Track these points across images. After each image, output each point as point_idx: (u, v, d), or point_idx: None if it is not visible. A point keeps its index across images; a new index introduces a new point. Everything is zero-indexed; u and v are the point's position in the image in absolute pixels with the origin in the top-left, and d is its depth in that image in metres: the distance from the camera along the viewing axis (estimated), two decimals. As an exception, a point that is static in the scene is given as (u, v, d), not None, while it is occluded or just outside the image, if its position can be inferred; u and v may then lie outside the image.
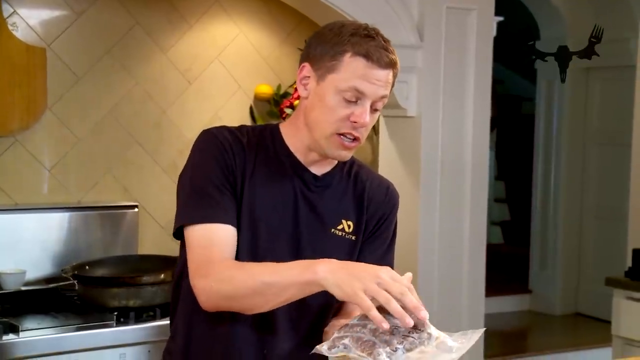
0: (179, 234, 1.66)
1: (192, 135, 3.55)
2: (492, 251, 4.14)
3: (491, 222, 6.96)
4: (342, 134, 1.61)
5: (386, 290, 1.38)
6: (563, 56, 4.31)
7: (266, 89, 3.66)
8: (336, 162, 1.73)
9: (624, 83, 5.10)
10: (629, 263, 3.78)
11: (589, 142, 5.59)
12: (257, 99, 3.69)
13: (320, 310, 1.70)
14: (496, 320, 5.16)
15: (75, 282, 2.95)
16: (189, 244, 1.61)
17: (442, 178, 3.41)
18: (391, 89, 1.64)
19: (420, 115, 3.36)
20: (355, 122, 1.59)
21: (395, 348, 1.38)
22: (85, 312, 2.89)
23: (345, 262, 1.47)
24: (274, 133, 1.70)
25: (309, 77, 1.64)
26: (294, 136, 1.69)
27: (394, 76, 1.63)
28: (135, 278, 2.87)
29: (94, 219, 3.28)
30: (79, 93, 3.34)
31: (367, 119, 1.60)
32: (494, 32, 3.53)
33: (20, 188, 3.24)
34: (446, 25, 3.37)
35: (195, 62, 3.57)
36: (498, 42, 3.60)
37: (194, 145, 1.68)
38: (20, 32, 3.21)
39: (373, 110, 1.62)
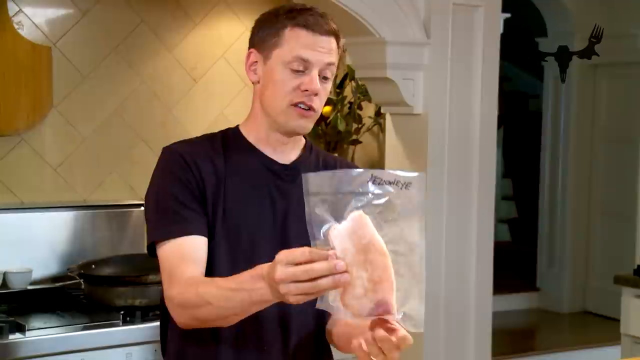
0: (152, 251, 1.68)
1: (198, 133, 3.55)
2: (500, 249, 4.12)
3: (498, 220, 6.94)
4: (296, 104, 1.64)
5: (299, 281, 1.31)
6: (563, 56, 4.30)
7: (272, 87, 3.64)
8: (301, 148, 1.76)
9: (631, 80, 5.08)
10: (638, 261, 3.76)
11: (596, 139, 5.57)
12: (263, 97, 3.67)
13: (314, 311, 1.69)
14: (504, 318, 5.14)
15: (81, 281, 2.95)
16: (160, 261, 1.64)
17: (448, 176, 3.40)
18: (339, 63, 1.70)
19: (427, 113, 3.35)
20: (306, 90, 1.63)
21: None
22: (92, 311, 2.89)
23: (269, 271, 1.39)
24: (236, 134, 1.75)
25: (256, 62, 1.69)
26: (254, 127, 1.73)
27: (339, 47, 1.69)
28: (142, 277, 2.87)
29: (100, 218, 3.28)
30: (85, 92, 3.33)
31: (317, 85, 1.63)
32: (500, 29, 3.51)
33: (26, 187, 3.23)
34: (453, 22, 3.36)
35: (201, 60, 3.57)
36: (505, 39, 3.58)
37: (157, 164, 1.72)
38: (25, 30, 3.20)
39: (323, 78, 1.66)
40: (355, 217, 1.32)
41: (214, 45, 3.59)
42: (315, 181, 1.34)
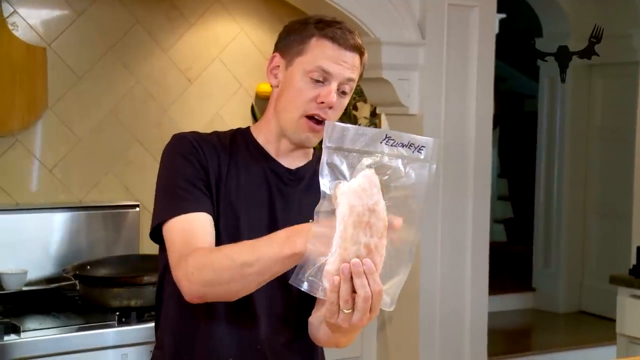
0: (156, 237, 1.66)
1: (194, 134, 3.56)
2: (495, 249, 4.12)
3: (494, 220, 6.93)
4: (310, 117, 1.63)
5: None
6: (563, 56, 4.30)
7: (268, 88, 3.61)
8: (310, 157, 1.75)
9: (626, 80, 5.08)
10: (633, 261, 3.77)
11: (591, 139, 5.58)
12: (259, 97, 3.67)
13: (302, 300, 1.68)
14: (500, 318, 5.14)
15: (76, 282, 2.94)
16: (168, 238, 1.60)
17: (444, 176, 3.40)
18: (359, 78, 1.68)
19: (422, 113, 3.35)
20: (322, 102, 1.62)
21: None
22: (87, 312, 2.89)
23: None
24: (245, 134, 1.74)
25: (278, 66, 1.69)
26: (265, 130, 1.71)
27: (362, 65, 1.67)
28: (137, 278, 2.87)
29: (95, 219, 3.27)
30: (80, 92, 3.33)
31: (334, 98, 1.62)
32: (496, 30, 3.51)
33: (21, 188, 3.23)
34: (448, 23, 3.36)
35: (196, 61, 3.56)
36: (500, 40, 3.58)
37: (165, 149, 1.69)
38: (20, 31, 3.20)
39: (341, 93, 1.65)
40: (367, 174, 1.29)
41: (209, 46, 3.59)
42: (335, 133, 1.31)
